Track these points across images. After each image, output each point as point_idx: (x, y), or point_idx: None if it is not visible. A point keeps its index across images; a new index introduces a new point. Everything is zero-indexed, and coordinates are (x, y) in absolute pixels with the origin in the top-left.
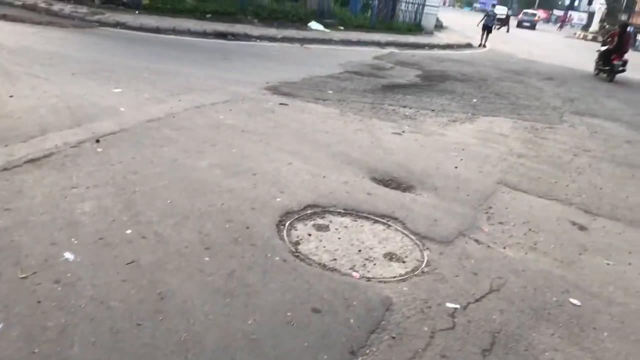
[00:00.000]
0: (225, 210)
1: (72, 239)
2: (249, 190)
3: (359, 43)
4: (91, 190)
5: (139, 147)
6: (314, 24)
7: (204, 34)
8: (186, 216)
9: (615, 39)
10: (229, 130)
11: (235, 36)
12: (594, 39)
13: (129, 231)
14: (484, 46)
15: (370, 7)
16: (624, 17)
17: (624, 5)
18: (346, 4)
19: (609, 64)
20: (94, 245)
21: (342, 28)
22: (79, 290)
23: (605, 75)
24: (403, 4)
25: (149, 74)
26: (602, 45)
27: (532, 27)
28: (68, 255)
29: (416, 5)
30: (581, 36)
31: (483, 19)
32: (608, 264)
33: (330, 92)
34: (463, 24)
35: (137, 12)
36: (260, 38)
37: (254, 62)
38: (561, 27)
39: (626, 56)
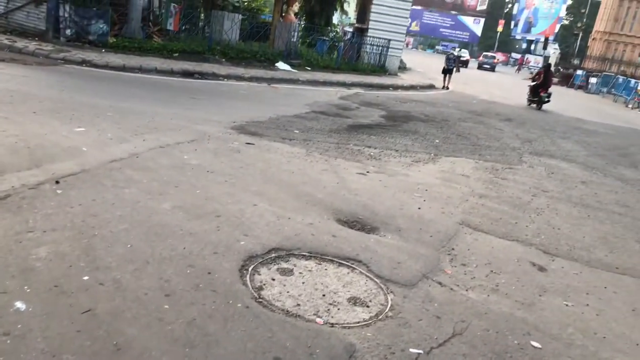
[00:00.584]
0: (187, 254)
1: (25, 287)
2: (212, 234)
3: (325, 83)
4: (48, 235)
5: (100, 188)
6: (281, 64)
7: (171, 73)
8: (146, 261)
9: (542, 76)
10: (194, 171)
11: (202, 75)
12: None
13: (86, 278)
14: (447, 88)
15: (336, 48)
16: (576, 62)
17: (575, 51)
18: (313, 46)
19: (537, 96)
20: (48, 293)
21: (309, 68)
22: (29, 342)
23: (534, 105)
24: (368, 46)
25: (114, 113)
26: (532, 81)
27: (492, 69)
28: (19, 304)
29: (380, 48)
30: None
31: (445, 60)
32: (567, 305)
33: (297, 131)
34: (426, 66)
35: (103, 50)
36: (228, 77)
37: (221, 101)
38: (519, 69)
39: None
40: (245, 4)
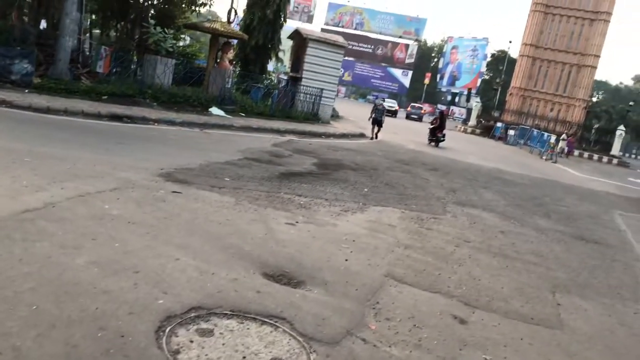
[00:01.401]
0: (98, 315)
1: None
2: (128, 292)
3: (259, 130)
4: None
5: (7, 243)
6: (215, 110)
7: (99, 116)
8: (52, 325)
9: (438, 121)
10: (114, 222)
11: (132, 119)
12: (473, 132)
13: None
14: (376, 138)
15: (271, 96)
16: (496, 114)
17: (495, 104)
18: (248, 92)
19: (435, 136)
20: None
21: (243, 115)
22: None
23: (433, 144)
24: (302, 95)
25: (32, 158)
26: (431, 124)
27: (419, 119)
28: None
29: (314, 96)
30: (462, 129)
31: (372, 113)
32: (486, 359)
33: (227, 179)
34: (357, 115)
35: (26, 90)
36: (159, 121)
37: (149, 146)
38: None
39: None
40: (180, 48)
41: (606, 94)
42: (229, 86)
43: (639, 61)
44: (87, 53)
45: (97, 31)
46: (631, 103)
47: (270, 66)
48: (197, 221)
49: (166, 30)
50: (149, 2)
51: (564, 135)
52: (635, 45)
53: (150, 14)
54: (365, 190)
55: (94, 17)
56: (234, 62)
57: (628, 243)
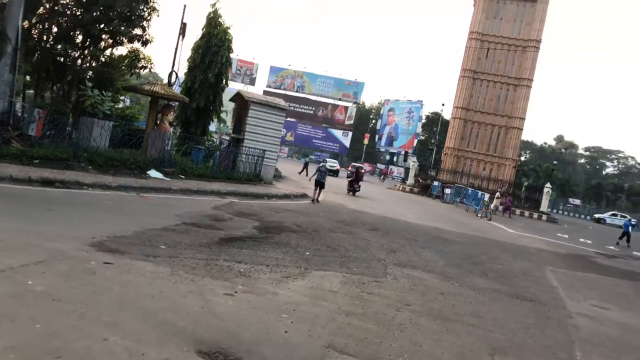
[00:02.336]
0: None
1: None
2: None
3: (199, 192)
4: None
5: None
6: (153, 172)
7: (29, 181)
8: None
9: (354, 175)
10: (37, 299)
11: (64, 184)
12: (411, 191)
13: None
14: (317, 201)
15: (212, 157)
16: (433, 173)
17: (432, 163)
18: (188, 154)
19: (352, 187)
20: None
21: (183, 177)
22: None
23: (351, 193)
24: (244, 155)
25: None
26: (348, 177)
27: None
28: None
29: (256, 157)
30: (400, 188)
31: (315, 173)
32: None
33: (163, 247)
34: (300, 174)
35: None
36: (93, 186)
37: (82, 213)
38: (383, 179)
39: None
40: (119, 110)
41: (533, 153)
42: (169, 148)
43: (560, 122)
44: (19, 115)
45: (32, 91)
46: (555, 162)
47: (213, 127)
48: (128, 295)
49: (104, 93)
50: (87, 65)
51: (497, 194)
52: (556, 108)
53: (87, 76)
54: (307, 253)
55: (27, 78)
56: (175, 124)
57: (560, 299)
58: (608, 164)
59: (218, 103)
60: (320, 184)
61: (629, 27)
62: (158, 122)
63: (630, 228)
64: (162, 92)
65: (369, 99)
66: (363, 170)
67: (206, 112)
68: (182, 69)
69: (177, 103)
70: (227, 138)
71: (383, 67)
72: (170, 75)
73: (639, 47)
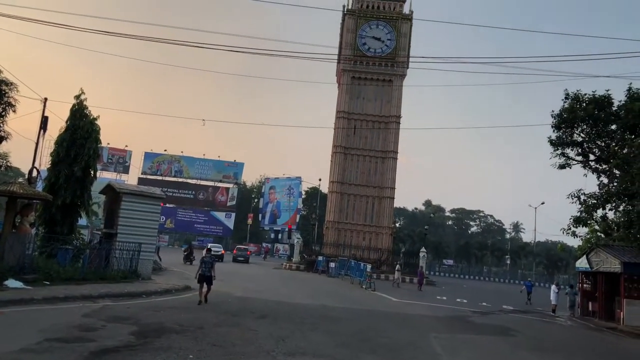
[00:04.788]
0: None
1: None
2: None
3: (67, 299)
4: None
5: None
6: (11, 282)
7: None
8: None
9: (190, 249)
10: None
11: None
12: (297, 268)
13: None
14: (206, 301)
15: (82, 256)
16: (317, 248)
17: (315, 238)
18: (54, 256)
19: (189, 259)
20: None
21: (47, 283)
22: None
23: (188, 263)
24: (117, 251)
25: None
26: (184, 252)
27: (246, 260)
28: None
29: (131, 252)
30: (287, 266)
31: (200, 267)
32: None
33: None
34: (183, 264)
35: None
36: None
37: None
38: (265, 257)
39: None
40: None
41: (406, 219)
42: (30, 252)
43: (426, 189)
44: None
45: None
46: (426, 227)
47: (84, 221)
48: None
49: None
50: None
51: (397, 266)
52: (422, 176)
53: None
54: (191, 357)
55: None
56: (37, 224)
57: None
58: (472, 223)
59: (87, 197)
60: (206, 279)
61: (477, 99)
62: (17, 224)
63: (531, 288)
64: (21, 191)
65: (250, 178)
66: (249, 252)
67: (74, 208)
68: (46, 163)
69: (39, 201)
70: (99, 234)
71: (260, 147)
72: (30, 171)
73: (482, 117)
